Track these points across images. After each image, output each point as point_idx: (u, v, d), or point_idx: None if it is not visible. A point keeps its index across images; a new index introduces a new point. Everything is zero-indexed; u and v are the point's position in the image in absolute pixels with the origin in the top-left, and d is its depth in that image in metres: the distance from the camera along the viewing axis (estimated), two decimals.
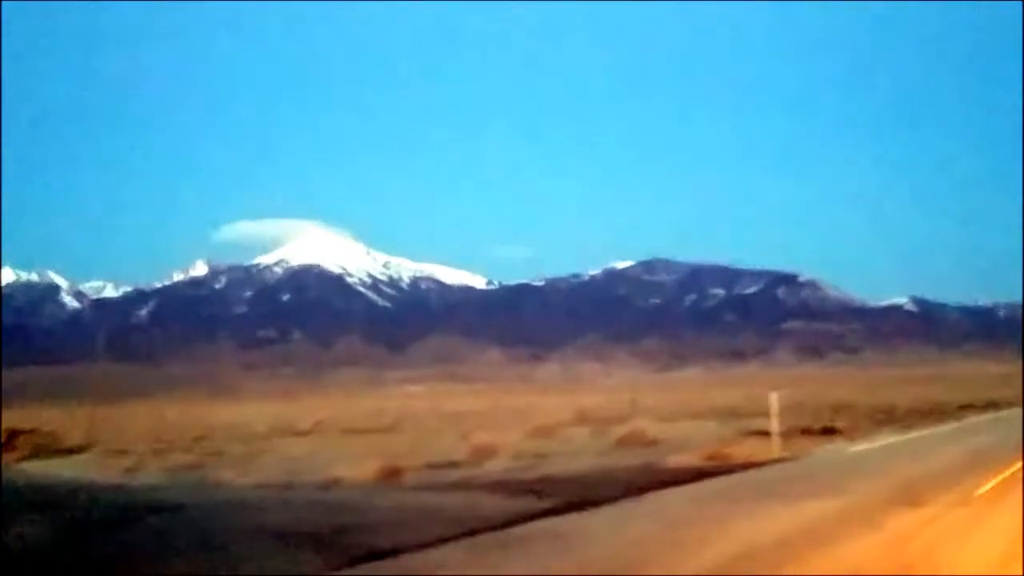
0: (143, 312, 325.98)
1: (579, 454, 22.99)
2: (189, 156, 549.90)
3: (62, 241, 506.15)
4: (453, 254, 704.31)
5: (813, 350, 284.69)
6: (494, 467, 20.42)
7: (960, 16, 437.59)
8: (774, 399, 23.26)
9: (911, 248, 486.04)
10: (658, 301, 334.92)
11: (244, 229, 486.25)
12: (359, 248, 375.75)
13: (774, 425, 23.35)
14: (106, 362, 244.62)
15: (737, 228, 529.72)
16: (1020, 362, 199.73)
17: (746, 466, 20.07)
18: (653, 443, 25.30)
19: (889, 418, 41.17)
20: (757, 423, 33.52)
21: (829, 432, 29.42)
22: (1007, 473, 18.17)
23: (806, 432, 29.33)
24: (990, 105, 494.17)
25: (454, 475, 18.97)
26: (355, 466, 19.03)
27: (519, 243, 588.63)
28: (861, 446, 24.52)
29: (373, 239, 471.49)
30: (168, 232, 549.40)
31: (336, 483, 17.49)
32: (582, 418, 42.35)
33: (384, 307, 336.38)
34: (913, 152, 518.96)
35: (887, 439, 28.08)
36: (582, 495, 14.47)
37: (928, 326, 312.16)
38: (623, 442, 25.12)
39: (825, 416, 41.50)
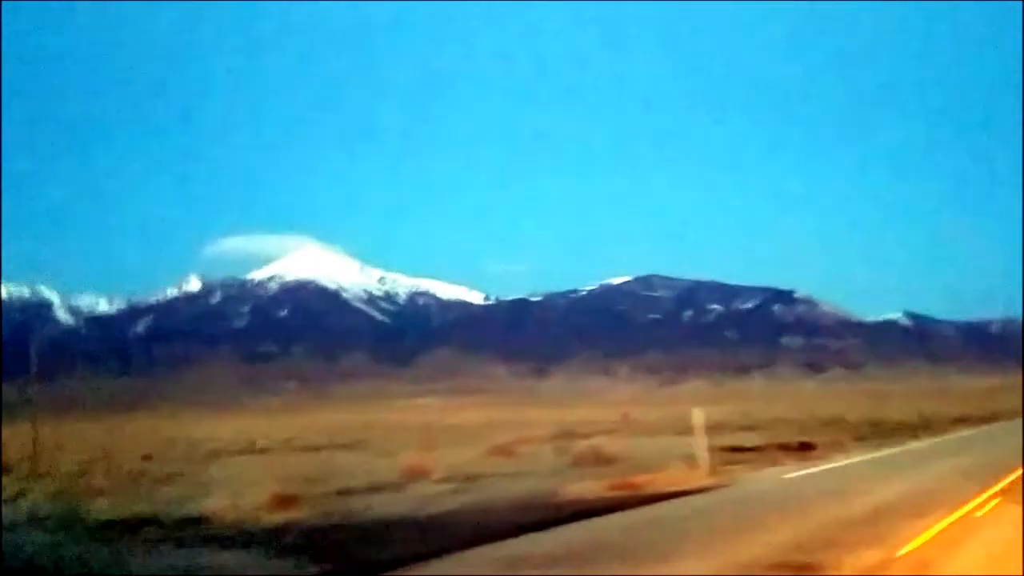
0: (138, 327, 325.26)
1: (518, 475, 20.44)
2: (182, 170, 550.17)
3: (55, 255, 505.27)
4: (448, 270, 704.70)
5: (814, 365, 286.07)
6: (414, 492, 17.86)
7: (959, 24, 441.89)
8: (698, 416, 20.81)
9: (903, 264, 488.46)
10: (657, 316, 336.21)
11: (236, 244, 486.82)
12: (353, 263, 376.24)
13: (700, 447, 20.66)
14: (92, 376, 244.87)
15: (729, 245, 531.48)
16: (1014, 375, 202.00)
17: (653, 498, 17.30)
18: (610, 461, 23.48)
19: (875, 432, 39.48)
20: (736, 438, 33.07)
21: (806, 448, 28.05)
22: (968, 508, 15.04)
23: (783, 448, 28.25)
24: (988, 119, 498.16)
25: (339, 504, 16.27)
26: (243, 495, 16.35)
27: (514, 259, 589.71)
28: (821, 466, 21.47)
29: (366, 254, 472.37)
30: (161, 247, 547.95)
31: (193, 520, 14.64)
32: (560, 433, 40.27)
33: (383, 322, 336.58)
34: (907, 168, 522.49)
35: (860, 456, 25.83)
36: (387, 550, 12.10)
37: (924, 341, 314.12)
38: (580, 460, 22.78)
39: (812, 430, 40.41)
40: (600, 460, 23.21)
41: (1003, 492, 17.00)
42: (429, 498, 16.64)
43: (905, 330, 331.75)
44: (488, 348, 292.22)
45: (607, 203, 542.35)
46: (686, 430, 41.26)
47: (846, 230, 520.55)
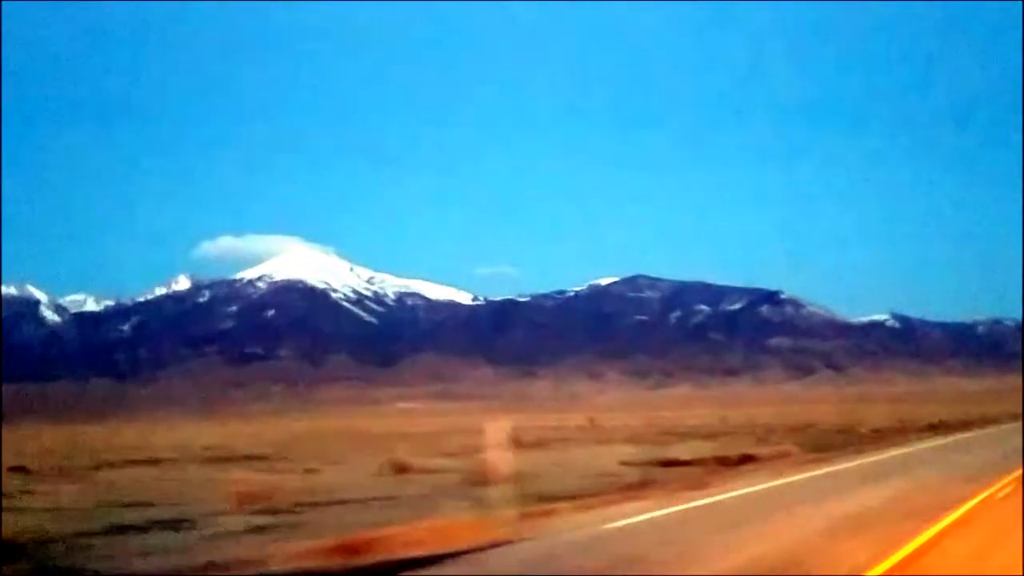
0: (125, 326, 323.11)
1: (352, 504, 16.37)
2: (170, 170, 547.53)
3: (46, 255, 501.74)
4: (437, 271, 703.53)
5: (802, 367, 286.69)
6: (225, 525, 14.20)
7: (959, 22, 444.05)
8: (498, 433, 14.67)
9: (891, 265, 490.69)
10: (644, 318, 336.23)
11: (224, 244, 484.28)
12: (343, 264, 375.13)
13: (501, 482, 14.36)
14: (86, 378, 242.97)
15: (716, 246, 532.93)
16: (999, 378, 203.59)
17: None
18: (506, 479, 18.34)
19: (842, 440, 35.58)
20: (687, 448, 30.07)
21: (747, 460, 24.39)
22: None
23: (721, 461, 24.64)
24: (980, 121, 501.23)
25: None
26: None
27: (502, 260, 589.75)
28: (698, 500, 16.52)
29: (356, 254, 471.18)
30: (148, 246, 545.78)
31: None
32: (503, 444, 36.69)
33: (371, 323, 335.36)
34: (893, 170, 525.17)
35: (786, 478, 21.17)
36: None
37: (910, 342, 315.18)
38: (473, 480, 18.35)
39: (776, 437, 37.12)
40: (487, 479, 18.39)
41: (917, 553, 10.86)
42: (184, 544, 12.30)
43: (892, 331, 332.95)
44: (475, 350, 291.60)
45: (596, 204, 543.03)
46: (645, 438, 38.73)
47: (834, 231, 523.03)
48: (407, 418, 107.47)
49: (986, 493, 17.20)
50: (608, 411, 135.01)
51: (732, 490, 18.59)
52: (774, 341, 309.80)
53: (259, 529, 13.50)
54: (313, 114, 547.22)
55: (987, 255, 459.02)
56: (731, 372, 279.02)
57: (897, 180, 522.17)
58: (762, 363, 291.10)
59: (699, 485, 18.96)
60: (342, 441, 44.78)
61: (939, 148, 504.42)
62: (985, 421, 58.01)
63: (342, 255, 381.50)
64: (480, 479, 19.01)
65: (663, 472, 22.13)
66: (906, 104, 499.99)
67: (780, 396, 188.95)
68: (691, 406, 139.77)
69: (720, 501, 16.76)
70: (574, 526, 13.79)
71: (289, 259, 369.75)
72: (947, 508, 14.63)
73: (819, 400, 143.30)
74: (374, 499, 17.05)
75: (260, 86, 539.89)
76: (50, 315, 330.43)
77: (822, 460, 26.54)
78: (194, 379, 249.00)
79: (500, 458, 21.75)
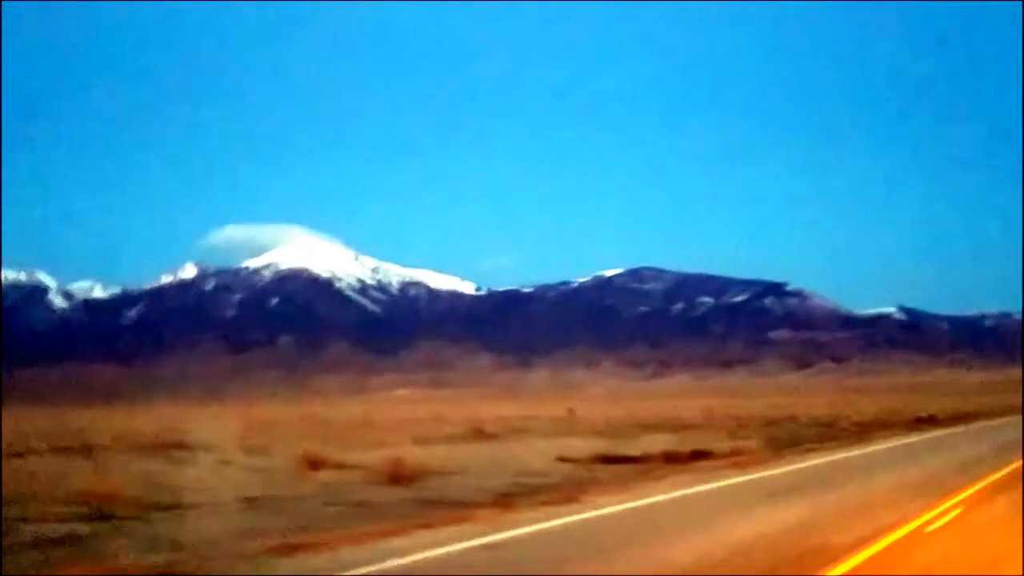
0: (131, 313, 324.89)
1: (226, 511, 14.37)
2: (178, 159, 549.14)
3: (51, 241, 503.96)
4: (441, 261, 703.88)
5: (801, 359, 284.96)
6: (30, 532, 12.17)
7: (959, 22, 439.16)
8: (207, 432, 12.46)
9: (898, 258, 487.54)
10: (646, 309, 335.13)
11: (232, 233, 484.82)
12: (348, 253, 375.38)
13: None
14: (92, 364, 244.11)
15: (724, 237, 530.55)
16: (1006, 371, 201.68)
17: None
18: (416, 478, 17.83)
19: (822, 435, 32.48)
20: (650, 442, 27.54)
21: (697, 457, 22.15)
22: None
23: (669, 458, 22.37)
24: (984, 115, 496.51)
25: None
26: None
27: (507, 251, 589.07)
28: (561, 520, 13.90)
29: (361, 244, 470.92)
30: (157, 234, 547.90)
31: None
32: (463, 434, 34.66)
33: (374, 312, 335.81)
34: (901, 162, 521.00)
35: (717, 483, 18.53)
36: None
37: (916, 335, 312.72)
38: (391, 476, 17.63)
39: (743, 433, 33.99)
40: (403, 476, 17.27)
41: None
42: None
43: (898, 323, 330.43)
44: (475, 339, 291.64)
45: (601, 195, 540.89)
46: (613, 431, 35.63)
47: (841, 222, 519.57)
48: (395, 405, 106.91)
49: (913, 524, 13.11)
50: (600, 401, 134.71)
51: (622, 502, 15.87)
52: (776, 333, 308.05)
53: (57, 541, 11.47)
54: (320, 105, 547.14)
55: (995, 248, 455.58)
56: (730, 363, 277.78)
57: (905, 172, 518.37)
58: (763, 354, 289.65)
59: (589, 494, 15.91)
60: (296, 430, 43.40)
61: (947, 141, 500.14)
62: (982, 414, 55.87)
63: (347, 245, 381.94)
64: (383, 478, 18.14)
65: (589, 471, 19.84)
66: (913, 96, 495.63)
67: (779, 388, 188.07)
68: (686, 396, 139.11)
69: (570, 524, 13.43)
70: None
71: (295, 248, 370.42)
72: (838, 555, 10.64)
73: (817, 392, 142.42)
74: (246, 503, 15.08)
75: (267, 76, 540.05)
76: (58, 301, 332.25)
77: (773, 459, 23.75)
78: (197, 365, 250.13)
79: (412, 454, 20.87)
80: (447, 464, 20.41)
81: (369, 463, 20.36)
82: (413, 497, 16.30)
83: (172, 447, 26.68)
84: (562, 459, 22.93)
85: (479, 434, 35.52)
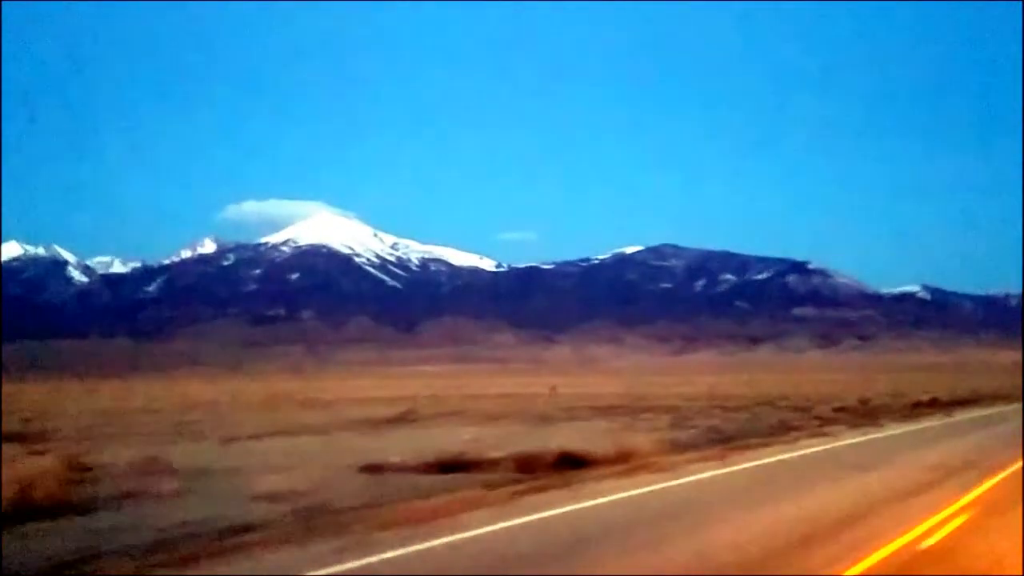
0: (151, 288, 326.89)
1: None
2: (199, 135, 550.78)
3: (70, 216, 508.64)
4: (462, 237, 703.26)
5: (827, 336, 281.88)
6: None
7: (962, 12, 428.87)
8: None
9: (923, 236, 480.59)
10: (668, 286, 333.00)
11: (251, 208, 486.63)
12: (366, 229, 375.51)
13: None
14: (111, 337, 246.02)
15: (745, 215, 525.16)
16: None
17: None
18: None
19: (782, 426, 25.20)
20: (568, 429, 22.71)
21: (569, 464, 15.14)
22: None
23: (525, 465, 15.14)
24: (1007, 96, 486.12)
25: None
26: None
27: (527, 227, 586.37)
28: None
29: (380, 221, 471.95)
30: (176, 210, 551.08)
31: None
32: (379, 419, 30.62)
33: (394, 288, 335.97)
34: (924, 142, 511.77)
35: (653, 484, 13.57)
36: None
37: (941, 314, 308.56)
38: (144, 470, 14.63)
39: (699, 419, 28.42)
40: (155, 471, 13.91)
41: None
42: None
43: (922, 302, 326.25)
44: (496, 316, 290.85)
45: (621, 172, 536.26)
46: (554, 417, 29.72)
47: (864, 201, 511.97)
48: (381, 381, 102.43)
49: None
50: (615, 376, 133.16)
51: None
52: (801, 310, 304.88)
53: None
54: (340, 81, 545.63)
55: (1019, 227, 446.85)
56: (757, 340, 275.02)
57: (930, 153, 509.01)
58: (788, 332, 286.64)
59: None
60: (255, 409, 41.07)
61: (971, 121, 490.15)
62: (994, 397, 50.35)
63: (367, 221, 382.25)
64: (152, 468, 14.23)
65: (364, 489, 12.81)
66: (937, 77, 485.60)
67: (801, 365, 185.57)
68: (705, 373, 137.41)
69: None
70: None
71: (315, 224, 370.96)
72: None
73: (835, 370, 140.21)
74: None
75: (287, 53, 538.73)
76: (77, 275, 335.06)
77: (651, 470, 15.25)
78: (215, 339, 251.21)
79: (177, 452, 16.83)
80: (192, 479, 13.94)
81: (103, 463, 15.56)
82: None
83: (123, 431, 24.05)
84: (370, 468, 15.17)
85: (401, 417, 31.41)
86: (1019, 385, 65.72)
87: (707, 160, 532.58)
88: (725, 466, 16.33)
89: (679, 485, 13.70)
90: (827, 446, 21.20)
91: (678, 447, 19.18)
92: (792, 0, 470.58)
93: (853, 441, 22.65)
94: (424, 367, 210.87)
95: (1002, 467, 16.40)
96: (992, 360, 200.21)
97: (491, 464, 15.22)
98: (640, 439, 18.69)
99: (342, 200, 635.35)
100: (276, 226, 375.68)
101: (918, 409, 36.96)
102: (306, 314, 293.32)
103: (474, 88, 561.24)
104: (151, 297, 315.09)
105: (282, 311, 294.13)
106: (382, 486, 13.08)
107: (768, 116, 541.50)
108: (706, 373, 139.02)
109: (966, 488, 13.37)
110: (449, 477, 14.07)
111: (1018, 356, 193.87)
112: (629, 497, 12.38)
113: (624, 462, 15.99)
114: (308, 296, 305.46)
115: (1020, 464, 16.62)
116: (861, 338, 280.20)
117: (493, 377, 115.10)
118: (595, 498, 12.24)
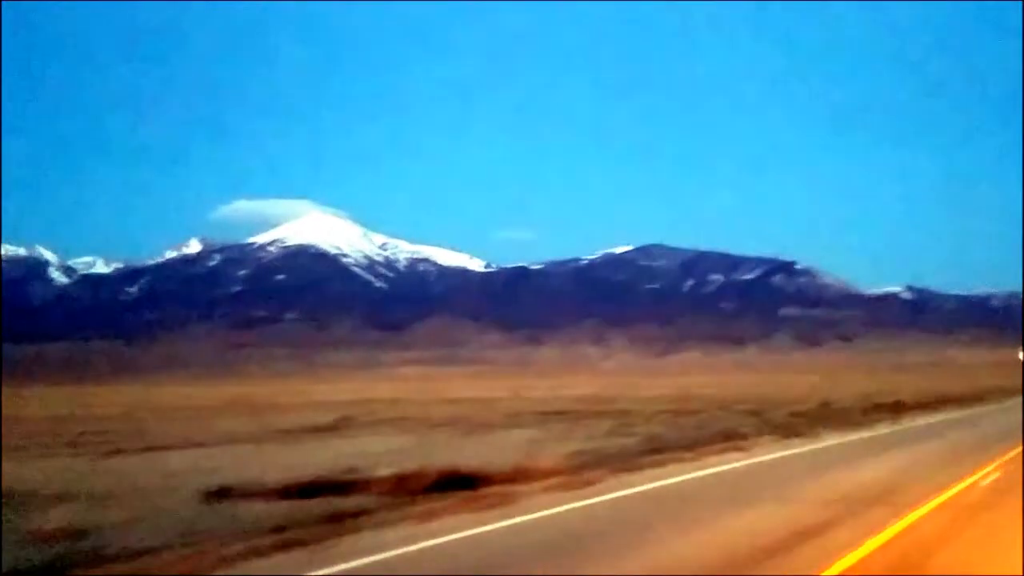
0: (133, 289, 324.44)
1: None
2: (185, 134, 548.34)
3: (52, 216, 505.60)
4: (451, 237, 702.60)
5: (811, 337, 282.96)
6: None
7: (959, 11, 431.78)
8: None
9: (906, 237, 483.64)
10: (657, 286, 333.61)
11: (239, 208, 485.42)
12: (355, 229, 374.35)
13: None
14: (90, 340, 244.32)
15: (734, 216, 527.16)
16: (1011, 351, 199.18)
17: None
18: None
19: (725, 434, 23.59)
20: (496, 439, 22.35)
21: (452, 485, 13.54)
22: None
23: (400, 485, 13.74)
24: (988, 97, 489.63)
25: None
26: None
27: (517, 227, 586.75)
28: None
29: (370, 221, 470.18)
30: (161, 210, 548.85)
31: None
32: (307, 427, 29.99)
33: (382, 288, 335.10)
34: (909, 143, 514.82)
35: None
36: None
37: (924, 314, 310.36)
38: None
39: (639, 426, 27.76)
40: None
41: None
42: None
43: (906, 302, 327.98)
44: (485, 316, 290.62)
45: (609, 172, 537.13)
46: (495, 424, 28.52)
47: (853, 204, 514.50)
48: (357, 384, 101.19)
49: None
50: (595, 377, 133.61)
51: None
52: (786, 311, 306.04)
53: None
54: (329, 78, 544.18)
55: (1003, 228, 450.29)
56: (742, 341, 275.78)
57: (915, 152, 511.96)
58: (774, 332, 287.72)
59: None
60: (191, 417, 39.73)
61: (955, 120, 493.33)
62: (962, 399, 49.27)
63: (358, 220, 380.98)
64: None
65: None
66: (921, 78, 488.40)
67: (780, 366, 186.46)
68: (687, 374, 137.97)
69: None
70: None
71: (302, 224, 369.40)
72: None
73: (816, 370, 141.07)
74: None
75: (274, 50, 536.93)
76: (58, 276, 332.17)
77: (545, 494, 13.92)
78: (200, 342, 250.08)
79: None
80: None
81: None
82: None
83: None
84: (217, 494, 13.15)
85: (334, 426, 30.67)
86: (993, 387, 66.22)
87: (698, 160, 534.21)
88: (583, 498, 13.57)
89: (492, 531, 11.01)
90: (733, 465, 18.48)
91: (584, 462, 17.42)
92: (778, 8, 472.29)
93: (768, 458, 19.98)
94: (408, 369, 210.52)
95: (935, 492, 13.57)
96: (972, 360, 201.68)
97: (364, 486, 13.51)
98: (558, 451, 18.22)
99: (333, 199, 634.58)
100: (265, 225, 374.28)
101: (876, 414, 35.61)
102: (292, 315, 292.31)
103: (465, 88, 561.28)
104: (133, 298, 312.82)
105: (268, 312, 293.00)
106: (206, 520, 11.21)
107: (754, 119, 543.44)
108: (690, 374, 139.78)
109: (867, 533, 10.26)
110: (298, 504, 12.33)
111: (997, 356, 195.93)
112: (419, 551, 9.84)
113: (512, 482, 14.58)
114: (295, 297, 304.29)
115: (956, 489, 13.60)
116: (844, 338, 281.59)
117: (472, 380, 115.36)
118: (400, 546, 9.86)
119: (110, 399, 65.63)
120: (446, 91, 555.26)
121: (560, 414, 36.43)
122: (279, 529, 10.79)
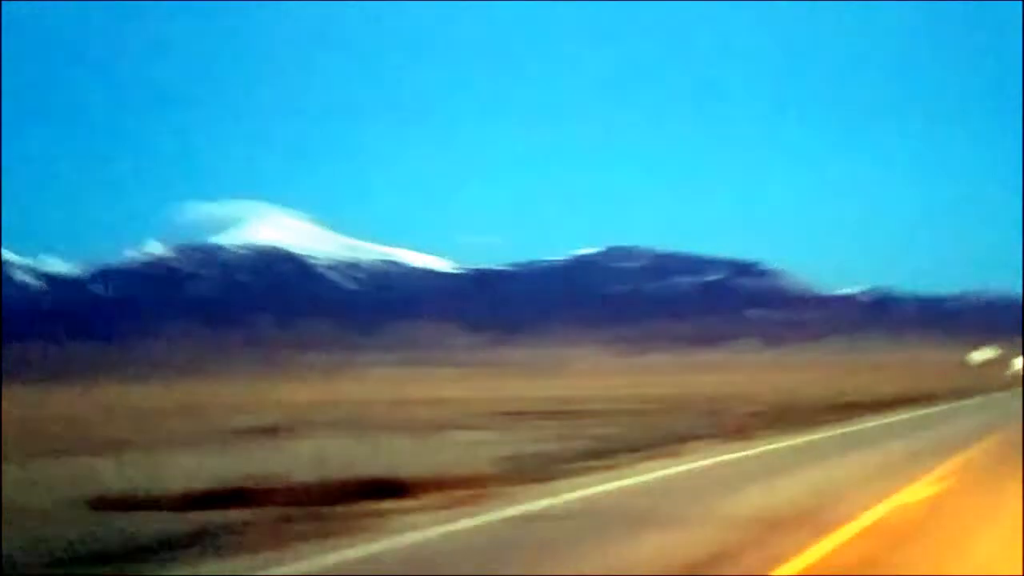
0: (96, 291, 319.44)
1: None
2: (150, 134, 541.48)
3: (13, 215, 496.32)
4: (419, 239, 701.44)
5: (778, 338, 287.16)
6: None
7: (956, 11, 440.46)
8: None
9: (872, 239, 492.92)
10: (624, 288, 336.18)
11: (199, 209, 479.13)
12: (321, 231, 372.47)
13: None
14: (52, 341, 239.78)
15: (699, 217, 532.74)
16: (966, 353, 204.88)
17: None
18: None
19: (665, 439, 22.56)
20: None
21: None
22: None
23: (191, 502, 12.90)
24: (964, 98, 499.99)
25: None
26: None
27: (484, 230, 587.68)
28: None
29: (336, 223, 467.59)
30: (123, 210, 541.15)
31: None
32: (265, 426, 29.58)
33: (350, 290, 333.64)
34: (876, 145, 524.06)
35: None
36: None
37: (887, 315, 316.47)
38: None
39: (588, 428, 27.24)
40: None
41: None
42: None
43: (870, 303, 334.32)
44: (452, 318, 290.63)
45: (576, 174, 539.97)
46: (426, 424, 27.85)
47: (816, 203, 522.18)
48: (303, 387, 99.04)
49: None
50: (568, 378, 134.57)
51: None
52: (752, 312, 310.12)
53: None
54: (296, 81, 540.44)
55: (966, 229, 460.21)
56: (711, 342, 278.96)
57: (881, 156, 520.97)
58: (741, 333, 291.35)
59: None
60: (136, 417, 38.10)
61: (924, 123, 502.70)
62: (917, 399, 48.50)
63: (322, 222, 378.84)
64: None
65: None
66: (890, 78, 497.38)
67: (745, 367, 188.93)
68: (652, 374, 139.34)
69: None
70: None
71: (267, 225, 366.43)
72: None
73: (781, 370, 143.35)
74: None
75: (239, 52, 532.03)
76: (19, 276, 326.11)
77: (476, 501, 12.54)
78: (166, 342, 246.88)
79: None
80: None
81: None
82: None
83: None
84: (100, 504, 12.36)
85: (274, 428, 29.76)
86: (950, 387, 67.91)
87: (660, 161, 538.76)
88: (463, 517, 11.15)
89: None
90: (659, 473, 16.54)
91: (508, 469, 16.09)
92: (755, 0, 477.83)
93: (699, 465, 18.12)
94: (377, 371, 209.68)
95: (872, 503, 11.83)
96: (933, 361, 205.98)
97: (263, 496, 12.18)
98: (492, 455, 17.29)
99: (299, 200, 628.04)
100: (228, 226, 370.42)
101: (832, 414, 35.21)
102: (256, 318, 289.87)
103: (430, 90, 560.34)
104: (97, 299, 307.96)
105: (231, 315, 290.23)
106: (61, 531, 9.96)
107: (722, 119, 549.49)
108: (658, 374, 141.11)
109: (768, 566, 8.09)
110: (172, 516, 11.07)
111: (957, 358, 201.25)
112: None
113: (411, 495, 12.83)
114: (260, 299, 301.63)
115: (869, 519, 10.87)
116: (809, 339, 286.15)
117: (440, 381, 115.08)
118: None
119: (60, 400, 63.49)
120: (411, 94, 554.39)
121: (518, 415, 35.96)
122: (100, 555, 8.99)
